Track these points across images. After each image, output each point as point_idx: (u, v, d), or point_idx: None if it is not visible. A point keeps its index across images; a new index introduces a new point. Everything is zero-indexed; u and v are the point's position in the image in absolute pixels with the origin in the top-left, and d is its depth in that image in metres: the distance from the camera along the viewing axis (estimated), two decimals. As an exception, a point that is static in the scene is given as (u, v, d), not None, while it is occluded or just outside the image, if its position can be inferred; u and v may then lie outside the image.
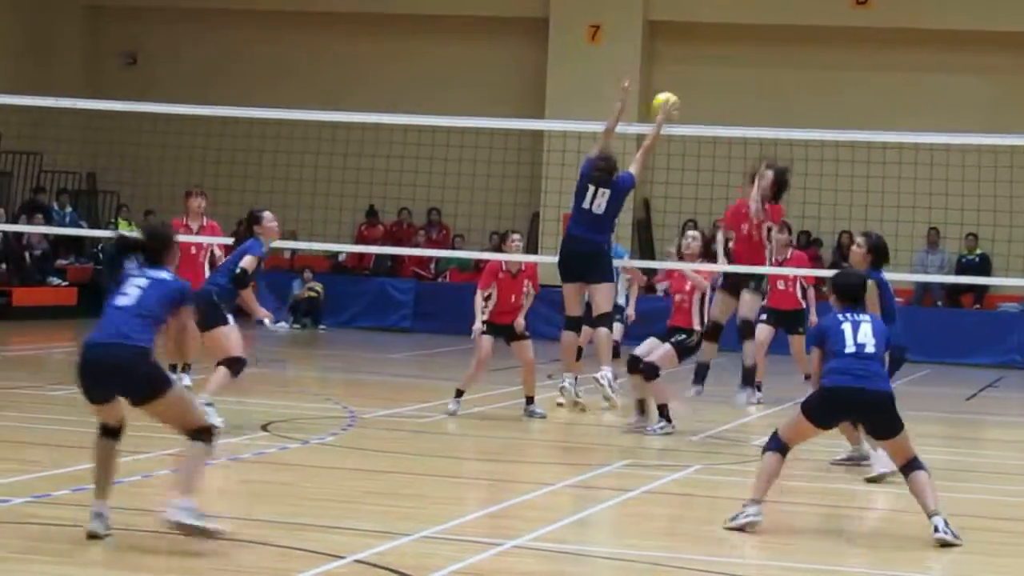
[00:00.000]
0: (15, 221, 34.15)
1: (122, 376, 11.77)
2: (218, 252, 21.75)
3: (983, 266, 34.22)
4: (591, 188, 19.72)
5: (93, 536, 11.64)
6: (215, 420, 17.48)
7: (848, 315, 13.91)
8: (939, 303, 34.98)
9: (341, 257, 38.03)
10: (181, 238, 19.08)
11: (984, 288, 34.42)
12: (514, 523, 13.22)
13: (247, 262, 18.46)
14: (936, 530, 13.06)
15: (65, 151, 37.49)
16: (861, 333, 13.70)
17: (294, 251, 36.25)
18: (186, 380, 19.87)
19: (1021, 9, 35.69)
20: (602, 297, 19.99)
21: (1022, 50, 35.79)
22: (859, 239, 18.01)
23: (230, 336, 18.35)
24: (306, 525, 13.15)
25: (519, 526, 13.12)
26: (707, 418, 21.18)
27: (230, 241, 21.57)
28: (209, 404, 17.61)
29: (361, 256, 35.75)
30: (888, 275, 19.86)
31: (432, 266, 36.63)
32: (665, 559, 12.30)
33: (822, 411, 13.68)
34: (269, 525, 13.01)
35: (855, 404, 13.65)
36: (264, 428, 18.69)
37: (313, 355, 33.38)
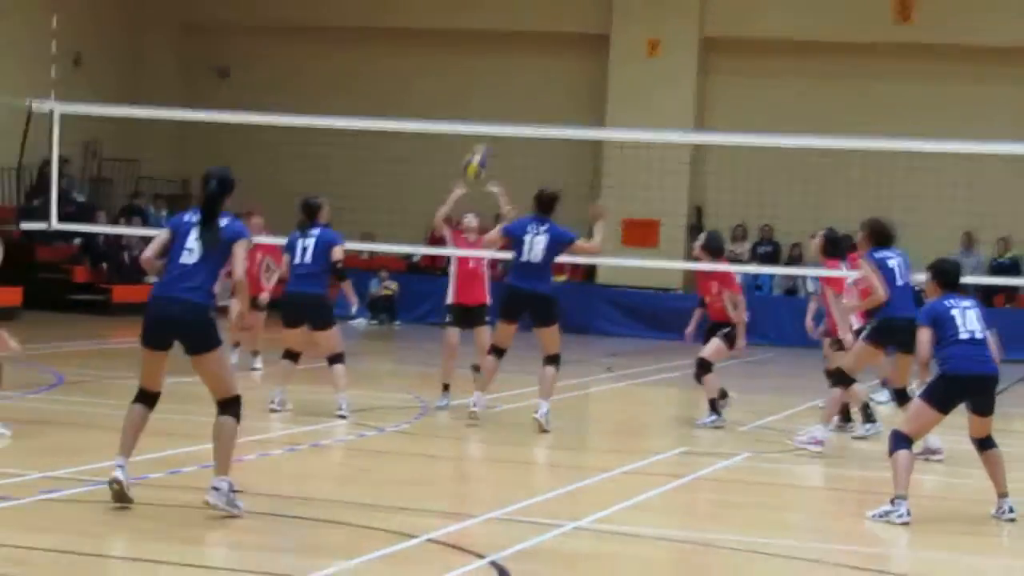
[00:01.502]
0: (115, 223, 34.35)
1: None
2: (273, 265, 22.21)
3: (1015, 268, 34.11)
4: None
5: (115, 483, 11.90)
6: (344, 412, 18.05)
7: (953, 301, 13.75)
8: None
9: (415, 258, 38.06)
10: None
11: (1015, 288, 34.34)
12: (575, 506, 13.34)
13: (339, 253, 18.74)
14: (1003, 513, 13.55)
15: (160, 159, 37.73)
16: (970, 319, 13.62)
17: (372, 252, 36.32)
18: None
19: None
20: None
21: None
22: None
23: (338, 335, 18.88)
24: (382, 507, 13.30)
25: (580, 509, 13.25)
26: (757, 409, 21.17)
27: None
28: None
29: (434, 257, 35.74)
30: (924, 276, 19.82)
31: (499, 266, 36.72)
32: (715, 540, 12.42)
33: (946, 397, 13.68)
34: (348, 506, 13.16)
35: (976, 388, 13.62)
36: (341, 417, 18.79)
37: (389, 349, 33.39)
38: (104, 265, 34.89)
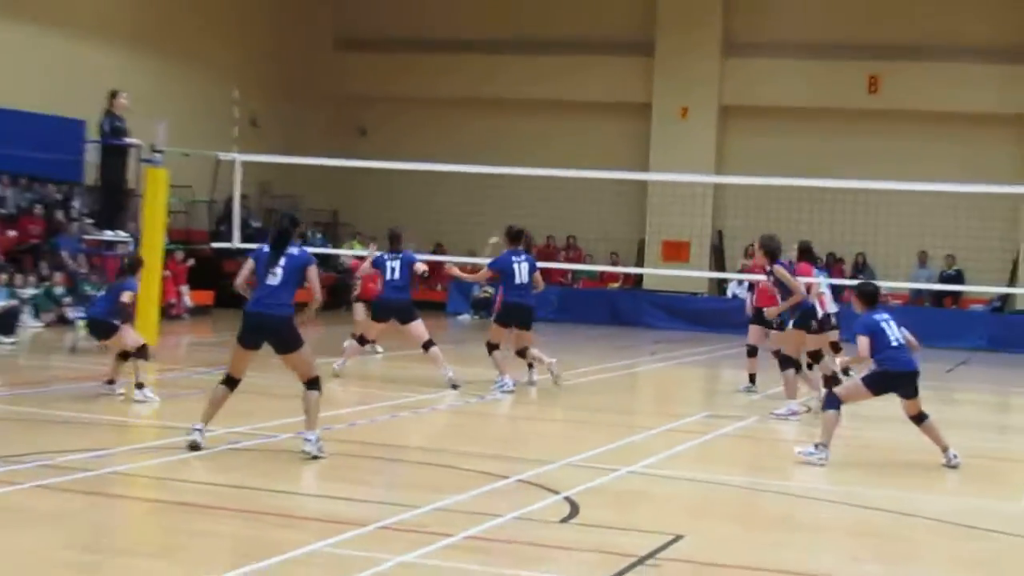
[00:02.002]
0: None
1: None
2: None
3: (959, 278, 33.86)
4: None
5: (194, 447, 12.13)
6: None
7: (879, 315, 13.86)
8: (927, 304, 34.66)
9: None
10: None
11: (959, 294, 34.10)
12: (627, 455, 13.28)
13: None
14: (952, 459, 13.59)
15: (315, 195, 37.85)
16: (893, 329, 13.72)
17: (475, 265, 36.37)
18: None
19: (984, 95, 35.30)
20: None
21: (984, 124, 35.37)
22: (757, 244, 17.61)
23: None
24: (483, 455, 13.28)
25: (631, 457, 13.20)
26: (763, 382, 21.05)
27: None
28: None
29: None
30: (891, 284, 19.79)
31: (569, 276, 36.62)
32: (729, 481, 12.43)
33: (881, 384, 13.71)
34: (455, 455, 13.16)
35: (905, 381, 13.67)
36: (453, 387, 18.77)
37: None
38: (274, 275, 34.97)
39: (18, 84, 28.97)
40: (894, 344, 13.65)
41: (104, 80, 24.61)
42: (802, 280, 17.39)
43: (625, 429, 15.55)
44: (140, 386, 15.55)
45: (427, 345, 18.84)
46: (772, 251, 17.07)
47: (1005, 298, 34.13)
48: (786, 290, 17.01)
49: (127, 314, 16.66)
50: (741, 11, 37.40)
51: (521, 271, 18.79)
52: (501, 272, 18.94)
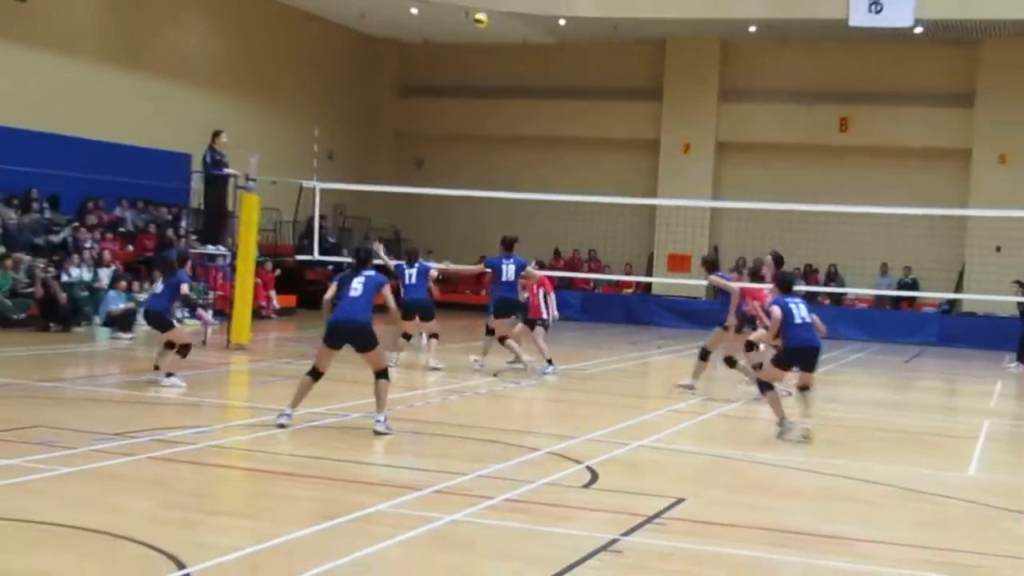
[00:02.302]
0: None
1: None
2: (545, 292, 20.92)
3: (915, 285, 33.71)
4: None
5: (282, 426, 12.21)
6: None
7: (790, 299, 13.65)
8: (888, 307, 34.49)
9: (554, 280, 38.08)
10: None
11: (914, 298, 33.92)
12: (639, 431, 13.25)
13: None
14: (804, 428, 13.32)
15: (381, 216, 37.94)
16: (801, 310, 13.52)
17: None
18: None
19: (935, 134, 35.24)
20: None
21: (935, 158, 35.24)
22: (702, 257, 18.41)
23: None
24: (517, 431, 13.30)
25: (642, 433, 13.18)
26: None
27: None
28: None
29: (550, 277, 35.57)
30: (857, 290, 19.73)
31: (591, 283, 36.56)
32: (727, 454, 12.37)
33: (788, 360, 13.56)
34: (495, 431, 13.17)
35: (807, 355, 13.43)
36: (495, 375, 18.77)
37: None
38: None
39: (136, 124, 29.19)
40: (798, 322, 13.43)
41: (207, 121, 24.73)
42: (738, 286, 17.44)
43: (637, 410, 15.52)
44: (170, 375, 15.18)
45: (503, 339, 19.02)
46: (710, 263, 17.78)
47: (952, 302, 34.02)
48: (726, 295, 17.23)
49: (192, 303, 16.55)
50: (734, 64, 37.34)
51: (508, 271, 18.98)
52: (492, 269, 19.24)
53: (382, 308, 12.91)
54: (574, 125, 38.08)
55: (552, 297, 20.05)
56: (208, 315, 23.13)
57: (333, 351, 12.61)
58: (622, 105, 38.00)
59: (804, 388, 13.66)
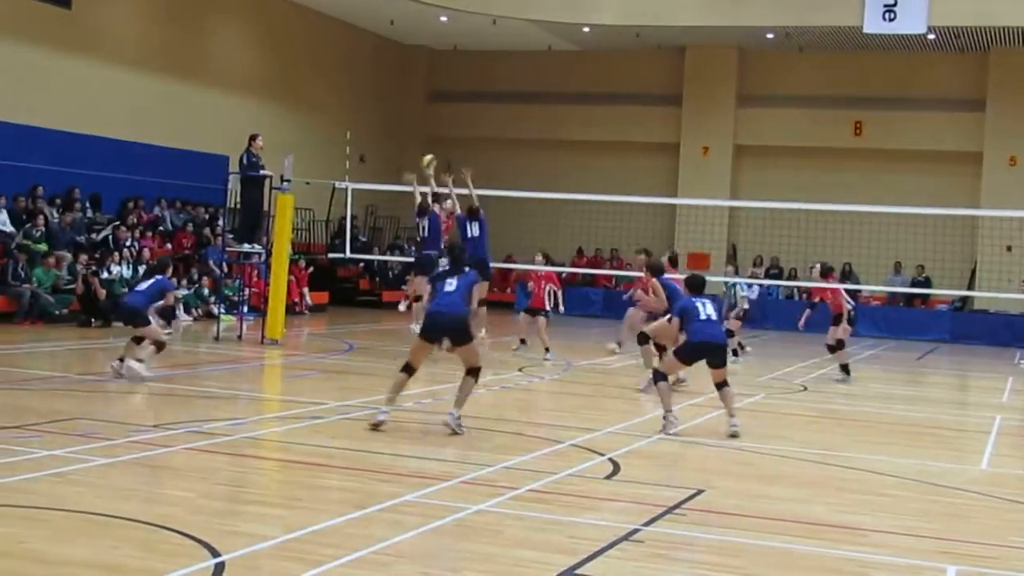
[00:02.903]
0: (383, 255, 34.52)
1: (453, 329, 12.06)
2: (552, 287, 21.12)
3: (927, 283, 33.57)
4: None
5: (376, 426, 11.86)
6: None
7: (696, 298, 13.39)
8: (901, 304, 34.33)
9: (563, 275, 38.00)
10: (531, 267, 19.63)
11: (927, 296, 33.80)
12: (658, 424, 13.16)
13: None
14: (732, 427, 12.93)
15: (411, 217, 37.85)
16: (707, 307, 13.26)
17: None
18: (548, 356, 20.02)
19: (946, 137, 35.15)
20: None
21: (947, 160, 35.14)
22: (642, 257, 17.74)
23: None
24: (541, 424, 13.26)
25: (659, 426, 13.09)
26: (768, 366, 20.80)
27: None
28: None
29: (574, 274, 35.50)
30: (871, 288, 19.65)
31: (613, 280, 36.48)
32: (743, 446, 12.30)
33: (690, 354, 13.26)
34: (520, 424, 13.14)
35: (709, 350, 13.07)
36: (519, 370, 18.73)
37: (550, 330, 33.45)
38: (377, 279, 35.10)
39: (176, 127, 29.30)
40: (703, 318, 13.16)
41: (243, 125, 24.81)
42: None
43: (658, 403, 15.42)
44: (140, 360, 14.89)
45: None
46: (654, 268, 17.01)
47: (964, 300, 33.92)
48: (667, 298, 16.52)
49: (169, 313, 16.07)
50: (752, 70, 37.26)
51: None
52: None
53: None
54: (597, 129, 38.10)
55: (558, 292, 20.36)
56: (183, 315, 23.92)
57: (428, 346, 12.34)
58: (643, 110, 37.99)
59: (720, 385, 13.21)
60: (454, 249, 12.93)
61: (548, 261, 22.11)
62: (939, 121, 35.27)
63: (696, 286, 13.67)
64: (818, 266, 20.58)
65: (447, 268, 12.65)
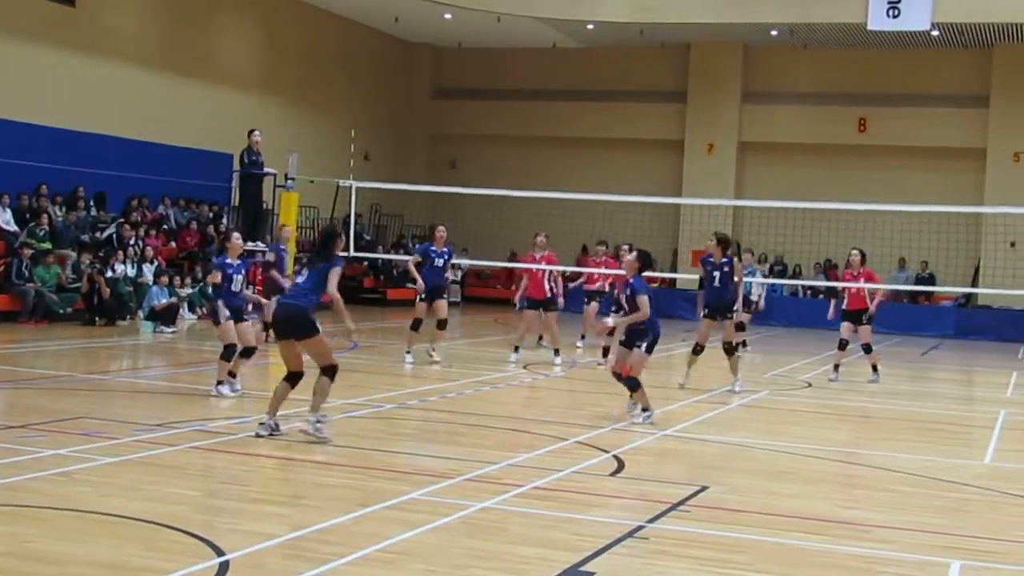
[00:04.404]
0: (388, 253, 34.53)
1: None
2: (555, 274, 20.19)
3: (932, 280, 33.57)
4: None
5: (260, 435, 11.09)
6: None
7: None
8: (905, 300, 34.31)
9: (567, 273, 38.00)
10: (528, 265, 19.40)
11: (931, 292, 33.81)
12: (664, 421, 13.15)
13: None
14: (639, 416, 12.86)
15: (415, 215, 38.00)
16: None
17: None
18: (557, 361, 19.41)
19: (951, 134, 35.18)
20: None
21: (951, 157, 35.14)
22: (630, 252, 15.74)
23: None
24: (546, 421, 13.23)
25: (667, 423, 13.08)
26: (773, 362, 20.78)
27: (562, 269, 20.96)
28: None
29: (578, 273, 35.54)
30: (874, 285, 19.61)
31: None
32: (745, 443, 12.28)
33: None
34: (525, 421, 13.13)
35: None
36: (524, 367, 18.72)
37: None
38: (382, 277, 35.10)
39: (180, 125, 29.29)
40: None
41: (247, 123, 24.77)
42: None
43: (662, 400, 15.43)
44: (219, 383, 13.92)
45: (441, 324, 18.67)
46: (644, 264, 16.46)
47: (968, 296, 33.93)
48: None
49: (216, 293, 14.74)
50: (756, 67, 37.25)
51: (435, 262, 18.48)
52: (423, 256, 18.63)
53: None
54: (602, 126, 38.08)
55: (558, 281, 20.05)
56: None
57: (287, 343, 11.19)
58: (648, 107, 37.99)
59: (627, 381, 13.12)
60: (324, 234, 11.56)
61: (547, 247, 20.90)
62: (943, 118, 35.28)
63: (648, 264, 13.37)
64: (857, 253, 19.34)
65: (308, 256, 11.89)
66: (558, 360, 19.31)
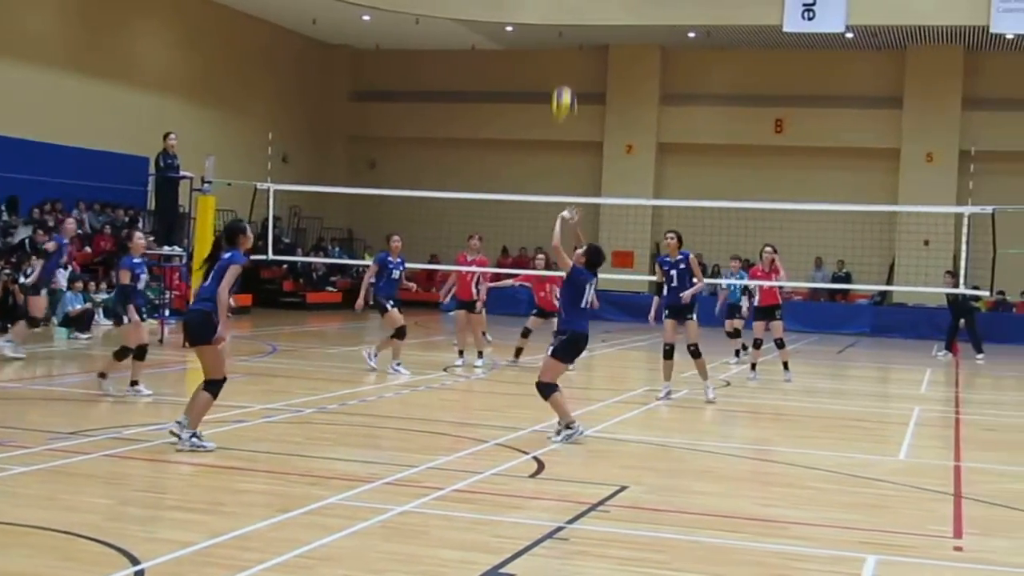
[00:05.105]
0: (307, 256, 34.37)
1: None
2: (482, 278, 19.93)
3: (847, 278, 33.99)
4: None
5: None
6: None
7: (588, 275, 12.12)
8: (822, 299, 34.75)
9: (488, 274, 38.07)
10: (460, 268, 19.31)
11: (847, 291, 34.27)
12: (584, 422, 13.14)
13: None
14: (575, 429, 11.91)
15: (334, 217, 37.85)
16: (590, 293, 12.12)
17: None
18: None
19: (865, 134, 35.67)
20: None
21: (865, 157, 35.66)
22: (668, 234, 16.20)
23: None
24: (466, 424, 13.22)
25: (586, 423, 13.03)
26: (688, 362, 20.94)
27: (496, 270, 20.88)
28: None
29: (498, 274, 35.54)
30: (794, 284, 19.90)
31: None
32: (667, 442, 12.34)
33: (570, 351, 12.17)
34: (446, 424, 13.10)
35: (584, 343, 12.15)
36: (444, 370, 18.69)
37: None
38: (301, 280, 34.89)
39: (95, 129, 28.98)
40: (583, 305, 12.03)
41: (164, 125, 24.52)
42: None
43: (583, 401, 15.48)
44: (134, 383, 14.11)
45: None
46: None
47: (884, 294, 34.44)
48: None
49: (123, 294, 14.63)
50: (674, 68, 37.54)
51: (392, 273, 18.18)
52: (381, 267, 18.25)
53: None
54: (522, 128, 38.10)
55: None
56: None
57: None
58: (567, 109, 38.06)
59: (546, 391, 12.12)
60: (228, 228, 11.22)
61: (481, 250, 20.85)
62: (858, 118, 35.80)
63: (596, 261, 12.42)
64: (770, 249, 19.35)
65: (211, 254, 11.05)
66: (479, 362, 19.34)
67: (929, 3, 31.59)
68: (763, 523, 8.76)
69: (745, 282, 21.09)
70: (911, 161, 35.14)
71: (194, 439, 10.56)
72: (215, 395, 10.69)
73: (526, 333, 19.94)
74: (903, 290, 31.08)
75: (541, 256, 21.22)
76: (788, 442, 13.11)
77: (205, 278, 10.85)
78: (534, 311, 20.18)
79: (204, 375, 10.76)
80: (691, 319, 15.95)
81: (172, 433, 10.76)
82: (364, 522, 8.12)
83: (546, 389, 12.01)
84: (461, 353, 19.60)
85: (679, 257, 16.08)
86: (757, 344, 19.43)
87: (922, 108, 35.04)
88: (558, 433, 11.96)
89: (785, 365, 19.37)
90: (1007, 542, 8.59)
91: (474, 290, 19.53)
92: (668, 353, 16.07)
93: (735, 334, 22.02)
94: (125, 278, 14.21)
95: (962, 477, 11.13)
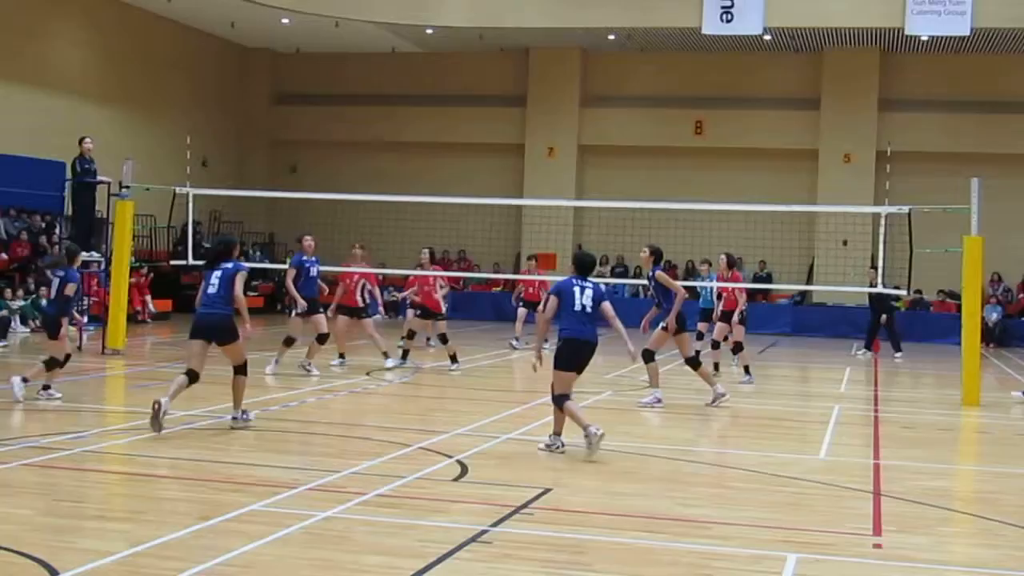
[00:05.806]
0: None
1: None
2: (368, 285, 19.89)
3: (768, 278, 34.29)
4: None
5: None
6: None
7: (576, 280, 11.93)
8: (745, 299, 35.11)
9: (410, 278, 37.93)
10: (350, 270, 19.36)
11: (768, 291, 34.59)
12: (506, 426, 13.18)
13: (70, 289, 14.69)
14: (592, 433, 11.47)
15: (255, 221, 37.57)
16: (586, 295, 11.86)
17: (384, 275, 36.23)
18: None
19: (784, 136, 36.02)
20: None
21: (784, 158, 36.00)
22: (645, 248, 16.05)
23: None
24: (389, 428, 13.20)
25: (510, 427, 13.08)
26: (617, 364, 20.99)
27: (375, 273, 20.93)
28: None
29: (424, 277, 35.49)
30: (713, 284, 20.16)
31: (461, 282, 36.51)
32: (615, 447, 12.37)
33: (571, 358, 11.92)
34: (368, 428, 13.11)
35: (586, 350, 11.86)
36: (367, 374, 18.63)
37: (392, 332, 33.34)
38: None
39: (8, 133, 28.52)
40: (576, 308, 11.75)
41: (80, 130, 24.24)
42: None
43: (505, 404, 15.51)
44: (47, 388, 14.31)
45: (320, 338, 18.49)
46: (657, 254, 16.14)
47: (804, 294, 34.83)
48: (669, 294, 16.10)
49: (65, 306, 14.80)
50: (595, 71, 37.69)
51: (310, 272, 18.49)
52: (298, 268, 18.46)
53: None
54: (444, 131, 38.16)
55: (374, 291, 20.01)
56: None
57: (199, 345, 12.68)
58: (488, 111, 38.14)
59: (559, 402, 11.97)
60: (223, 243, 13.17)
61: (365, 257, 20.99)
62: (777, 120, 36.17)
63: (583, 267, 12.21)
64: (724, 258, 19.60)
65: (208, 260, 12.81)
66: (389, 363, 19.31)
67: (845, 5, 32.03)
68: (685, 523, 8.85)
69: (706, 284, 21.33)
70: (829, 162, 35.60)
71: (245, 416, 12.58)
72: (246, 374, 12.70)
73: (411, 335, 20.09)
74: (823, 289, 31.46)
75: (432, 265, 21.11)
76: (711, 442, 13.23)
77: (207, 286, 12.48)
78: (417, 311, 20.18)
79: (233, 364, 12.54)
80: (665, 330, 16.01)
81: (233, 428, 12.42)
82: (286, 529, 8.09)
83: (557, 400, 11.92)
84: (342, 355, 19.62)
85: (650, 272, 16.27)
86: (715, 345, 20.32)
87: (839, 109, 35.51)
88: (548, 446, 11.93)
89: (746, 369, 19.66)
90: (926, 539, 8.74)
91: (358, 297, 19.55)
92: (648, 357, 15.99)
93: (701, 336, 21.83)
94: (71, 291, 14.70)
95: (881, 475, 11.29)
